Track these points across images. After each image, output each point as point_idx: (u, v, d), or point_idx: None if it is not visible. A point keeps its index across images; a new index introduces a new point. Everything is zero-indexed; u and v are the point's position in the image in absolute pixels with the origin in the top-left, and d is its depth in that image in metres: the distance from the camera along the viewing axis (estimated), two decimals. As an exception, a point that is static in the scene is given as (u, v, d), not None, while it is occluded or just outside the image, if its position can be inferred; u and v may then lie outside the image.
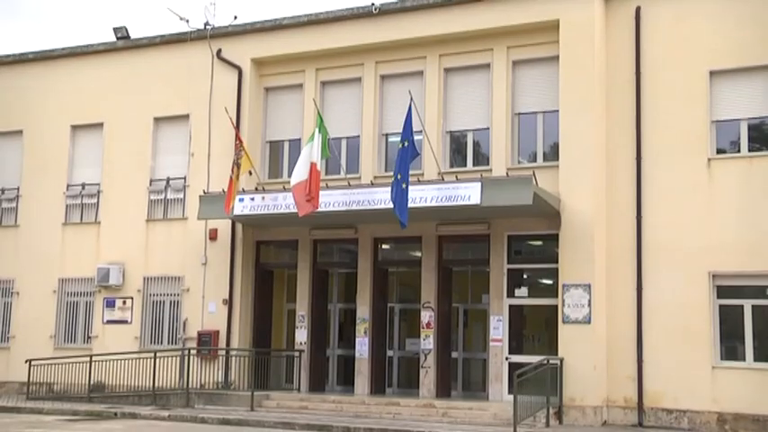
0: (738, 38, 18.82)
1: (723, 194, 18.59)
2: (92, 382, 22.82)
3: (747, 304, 18.38)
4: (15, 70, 27.10)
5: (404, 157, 18.28)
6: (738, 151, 19.01)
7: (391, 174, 20.35)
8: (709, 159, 18.83)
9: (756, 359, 18.10)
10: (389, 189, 18.79)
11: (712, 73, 19.02)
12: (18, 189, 26.48)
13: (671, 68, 19.39)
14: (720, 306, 18.57)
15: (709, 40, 19.07)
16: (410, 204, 18.07)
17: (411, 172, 18.72)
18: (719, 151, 19.11)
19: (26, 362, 23.65)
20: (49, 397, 23.19)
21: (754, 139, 18.93)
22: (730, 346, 18.52)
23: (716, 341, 18.40)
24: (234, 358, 22.44)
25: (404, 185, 17.88)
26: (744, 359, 18.29)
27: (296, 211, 19.61)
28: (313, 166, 19.06)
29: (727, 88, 19.08)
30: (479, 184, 18.39)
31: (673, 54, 19.42)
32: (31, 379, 23.57)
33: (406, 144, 18.46)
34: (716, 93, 19.07)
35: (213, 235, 23.09)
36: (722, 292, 18.63)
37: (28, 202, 26.20)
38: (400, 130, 19.42)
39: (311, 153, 19.37)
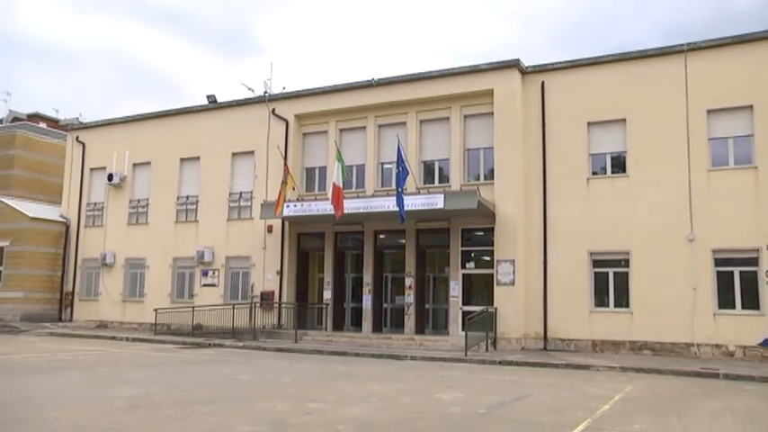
0: (604, 101, 19.69)
1: (596, 201, 19.43)
2: (194, 324, 23.46)
3: (611, 271, 19.19)
4: (144, 124, 27.82)
5: (400, 177, 18.94)
6: (605, 174, 19.69)
7: (385, 188, 21.78)
8: (587, 179, 19.72)
9: (615, 306, 19.07)
10: (385, 199, 19.79)
11: (589, 123, 19.86)
12: (148, 200, 27.09)
13: (564, 120, 20.13)
14: (595, 273, 19.38)
15: (587, 103, 19.90)
16: (397, 209, 18.66)
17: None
18: (594, 173, 19.80)
19: (154, 310, 24.42)
20: (167, 332, 23.73)
21: (615, 165, 19.63)
22: (600, 298, 19.29)
23: (591, 295, 19.29)
24: (283, 309, 22.96)
25: (402, 194, 18.61)
26: (608, 306, 19.18)
27: (323, 213, 20.48)
28: (334, 185, 19.73)
29: (599, 133, 19.80)
30: (443, 195, 19.09)
31: (565, 111, 20.14)
32: (156, 321, 24.26)
33: (401, 169, 19.03)
34: (592, 136, 19.84)
35: (270, 229, 23.60)
36: (596, 264, 19.39)
37: (154, 208, 26.86)
38: (393, 160, 20.31)
39: (334, 177, 19.99)
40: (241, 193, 24.97)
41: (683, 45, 18.96)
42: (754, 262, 17.65)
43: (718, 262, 18.01)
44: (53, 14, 78.43)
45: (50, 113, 36.65)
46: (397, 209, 18.69)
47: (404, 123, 22.37)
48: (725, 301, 17.84)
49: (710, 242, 18.00)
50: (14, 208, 27.93)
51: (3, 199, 28.53)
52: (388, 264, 23.49)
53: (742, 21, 68.98)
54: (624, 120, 19.50)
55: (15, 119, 35.30)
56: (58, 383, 11.76)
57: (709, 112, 18.51)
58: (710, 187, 18.22)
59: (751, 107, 18.07)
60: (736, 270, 17.85)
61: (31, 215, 27.71)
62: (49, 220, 28.21)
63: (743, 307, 17.68)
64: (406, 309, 21.83)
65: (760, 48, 18.13)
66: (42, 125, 34.13)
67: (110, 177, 27.52)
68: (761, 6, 69.27)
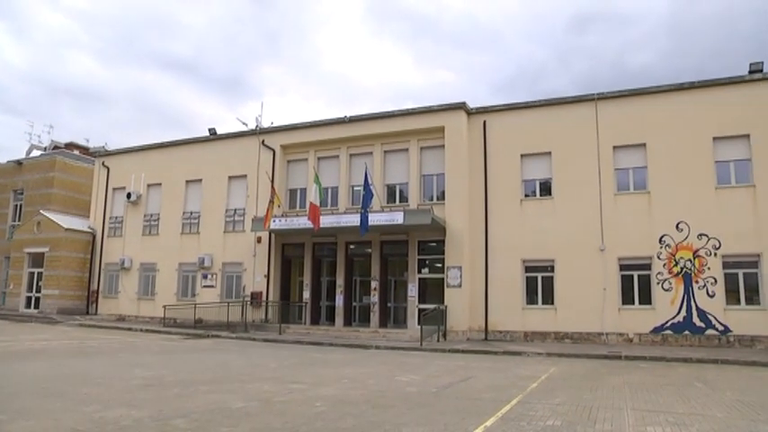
0: (534, 137, 19.95)
1: (527, 218, 19.73)
2: (196, 318, 23.18)
3: (539, 275, 19.45)
4: (157, 152, 27.17)
5: (365, 198, 19.03)
6: (535, 196, 19.97)
7: (355, 207, 21.59)
8: (521, 200, 20.00)
9: (543, 303, 19.34)
10: (355, 216, 19.59)
11: (522, 155, 20.15)
12: (159, 214, 26.73)
13: (502, 152, 20.35)
14: (526, 277, 19.61)
15: (520, 138, 20.22)
16: (365, 223, 18.76)
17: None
18: (526, 195, 20.06)
19: (163, 306, 24.34)
20: (174, 325, 23.52)
21: (543, 190, 19.95)
22: (531, 297, 19.51)
23: (524, 295, 19.50)
24: (270, 306, 22.64)
25: (366, 213, 18.76)
26: (537, 303, 19.40)
27: (305, 227, 20.41)
28: (312, 204, 19.88)
29: (529, 163, 20.08)
30: (403, 212, 19.25)
31: (503, 145, 20.35)
32: (165, 316, 24.10)
33: (366, 191, 19.08)
34: (524, 165, 20.13)
35: (259, 240, 23.38)
36: (528, 269, 19.62)
37: (164, 221, 26.43)
38: (362, 184, 20.05)
39: (311, 197, 20.13)
40: (235, 210, 24.79)
41: (593, 94, 19.57)
42: (647, 267, 18.28)
43: (622, 267, 18.53)
44: (88, 63, 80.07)
45: (82, 142, 36.29)
46: (364, 224, 18.72)
47: (371, 153, 22.40)
48: (626, 298, 18.40)
49: (616, 252, 18.52)
50: (53, 220, 28.09)
51: (44, 213, 28.70)
52: (356, 269, 23.31)
53: (636, 76, 76.56)
54: (550, 152, 19.90)
55: (56, 147, 35.21)
56: (88, 365, 11.70)
57: (614, 147, 19.10)
58: (616, 208, 18.75)
59: (644, 145, 18.79)
60: (635, 274, 18.41)
61: (65, 226, 27.77)
62: (79, 231, 28.18)
63: (639, 303, 18.25)
64: (371, 306, 21.79)
65: (650, 98, 18.96)
66: (76, 152, 34.07)
67: (128, 196, 27.35)
68: (649, 65, 76.71)
